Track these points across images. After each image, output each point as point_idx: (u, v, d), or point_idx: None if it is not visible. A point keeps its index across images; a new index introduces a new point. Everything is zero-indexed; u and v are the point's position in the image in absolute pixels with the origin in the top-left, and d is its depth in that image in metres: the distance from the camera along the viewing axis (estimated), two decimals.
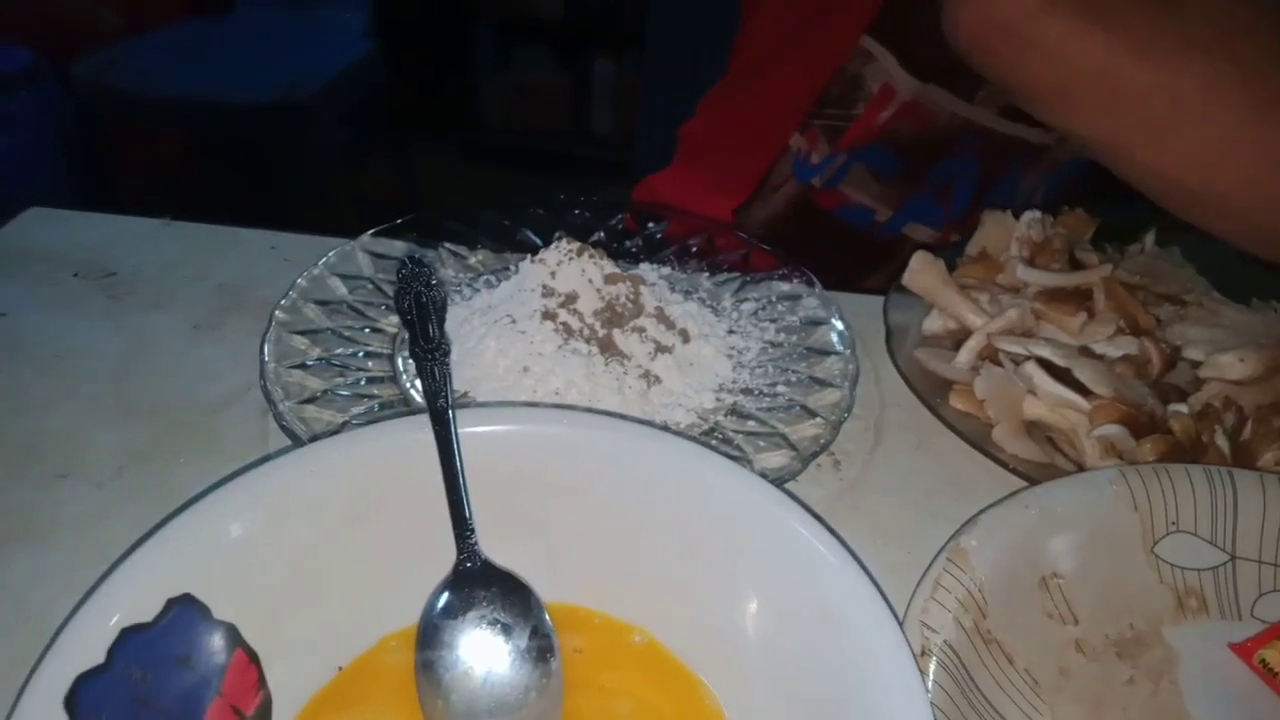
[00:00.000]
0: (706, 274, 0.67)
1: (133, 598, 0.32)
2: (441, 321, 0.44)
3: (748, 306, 0.64)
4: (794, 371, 0.58)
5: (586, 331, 0.55)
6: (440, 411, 0.40)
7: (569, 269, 0.56)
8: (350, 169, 1.46)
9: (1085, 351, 0.54)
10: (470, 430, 0.40)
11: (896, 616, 0.35)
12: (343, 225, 0.69)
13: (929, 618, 0.38)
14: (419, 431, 0.39)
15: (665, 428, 0.49)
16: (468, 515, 0.38)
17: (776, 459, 0.51)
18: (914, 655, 0.33)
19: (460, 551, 0.37)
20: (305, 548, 0.37)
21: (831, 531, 0.37)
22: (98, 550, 0.45)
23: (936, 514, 0.51)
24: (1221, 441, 0.50)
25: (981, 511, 0.43)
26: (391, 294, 0.62)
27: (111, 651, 0.31)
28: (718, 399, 0.56)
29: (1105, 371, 0.51)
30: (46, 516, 0.47)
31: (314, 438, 0.48)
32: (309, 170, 1.34)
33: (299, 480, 0.37)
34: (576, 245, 0.57)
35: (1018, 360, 0.55)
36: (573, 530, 0.41)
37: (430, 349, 0.43)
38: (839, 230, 0.84)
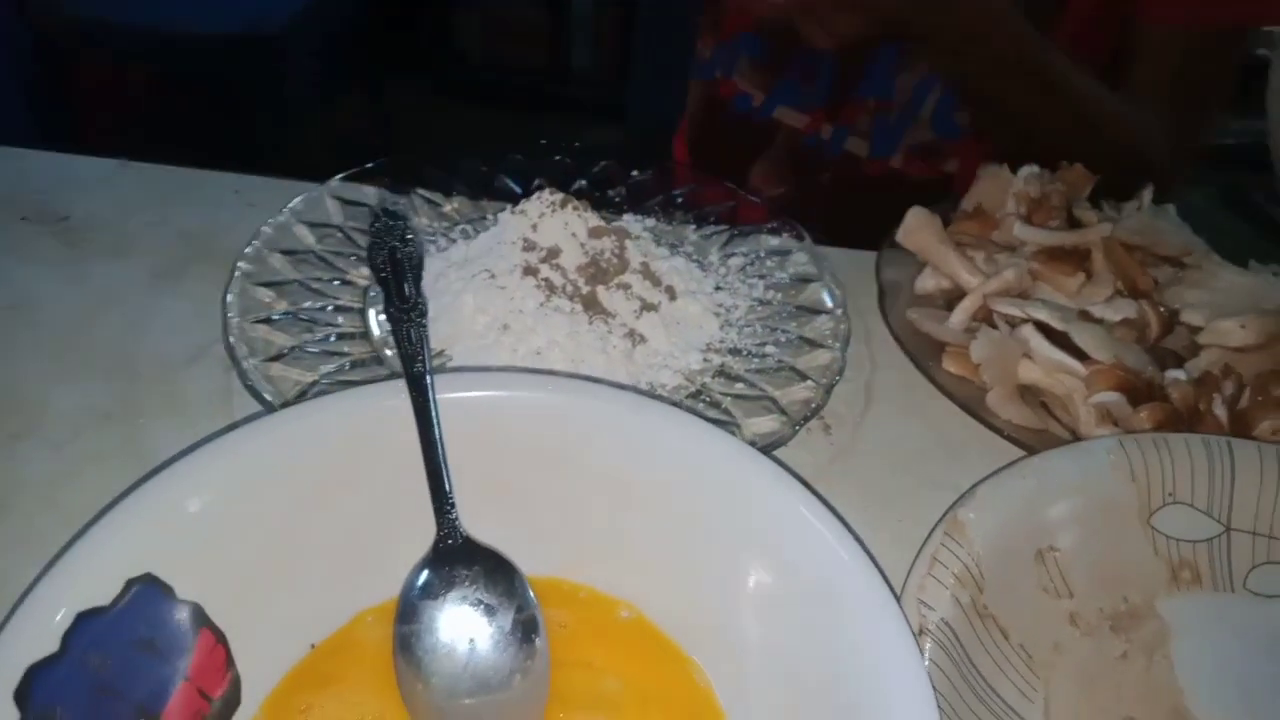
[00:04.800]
0: (693, 226, 0.65)
1: (88, 580, 0.30)
2: (418, 279, 0.41)
3: (735, 261, 0.62)
4: (783, 331, 0.56)
5: (569, 288, 0.53)
6: (417, 377, 0.37)
7: (551, 222, 0.53)
8: (321, 105, 1.40)
9: (1083, 315, 0.52)
10: (449, 396, 0.38)
11: (894, 593, 0.33)
12: (312, 165, 0.65)
13: (926, 595, 0.37)
14: (394, 398, 0.37)
15: (654, 395, 0.47)
16: (447, 489, 0.36)
17: (766, 424, 0.49)
18: (913, 633, 0.32)
19: (440, 527, 0.35)
20: (274, 521, 0.35)
21: (825, 503, 0.36)
22: (59, 516, 0.43)
23: (928, 479, 0.50)
24: (1220, 410, 0.49)
25: (979, 482, 0.42)
26: (363, 244, 0.59)
27: (66, 638, 0.29)
28: (705, 359, 0.54)
29: (1104, 336, 0.50)
30: (3, 480, 0.45)
31: (284, 403, 0.45)
32: (277, 106, 1.29)
33: (266, 451, 0.35)
34: (559, 196, 0.54)
35: (1014, 322, 0.53)
36: (557, 501, 0.39)
37: (406, 309, 0.40)
38: (732, 120, 0.92)
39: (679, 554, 0.38)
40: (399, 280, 0.41)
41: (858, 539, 0.35)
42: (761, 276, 0.60)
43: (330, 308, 0.54)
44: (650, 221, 0.64)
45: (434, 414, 0.37)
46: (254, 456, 0.35)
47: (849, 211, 0.80)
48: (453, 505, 0.36)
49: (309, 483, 0.36)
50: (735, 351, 0.54)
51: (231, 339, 0.49)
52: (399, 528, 0.37)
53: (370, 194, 0.63)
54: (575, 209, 0.54)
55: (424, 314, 0.40)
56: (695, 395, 0.51)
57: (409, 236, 0.42)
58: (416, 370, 0.38)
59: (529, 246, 0.53)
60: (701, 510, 0.38)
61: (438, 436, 0.36)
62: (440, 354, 0.52)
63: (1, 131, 0.70)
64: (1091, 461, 0.44)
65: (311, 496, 0.36)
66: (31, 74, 1.25)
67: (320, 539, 0.36)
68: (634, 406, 0.39)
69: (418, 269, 0.41)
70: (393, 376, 0.41)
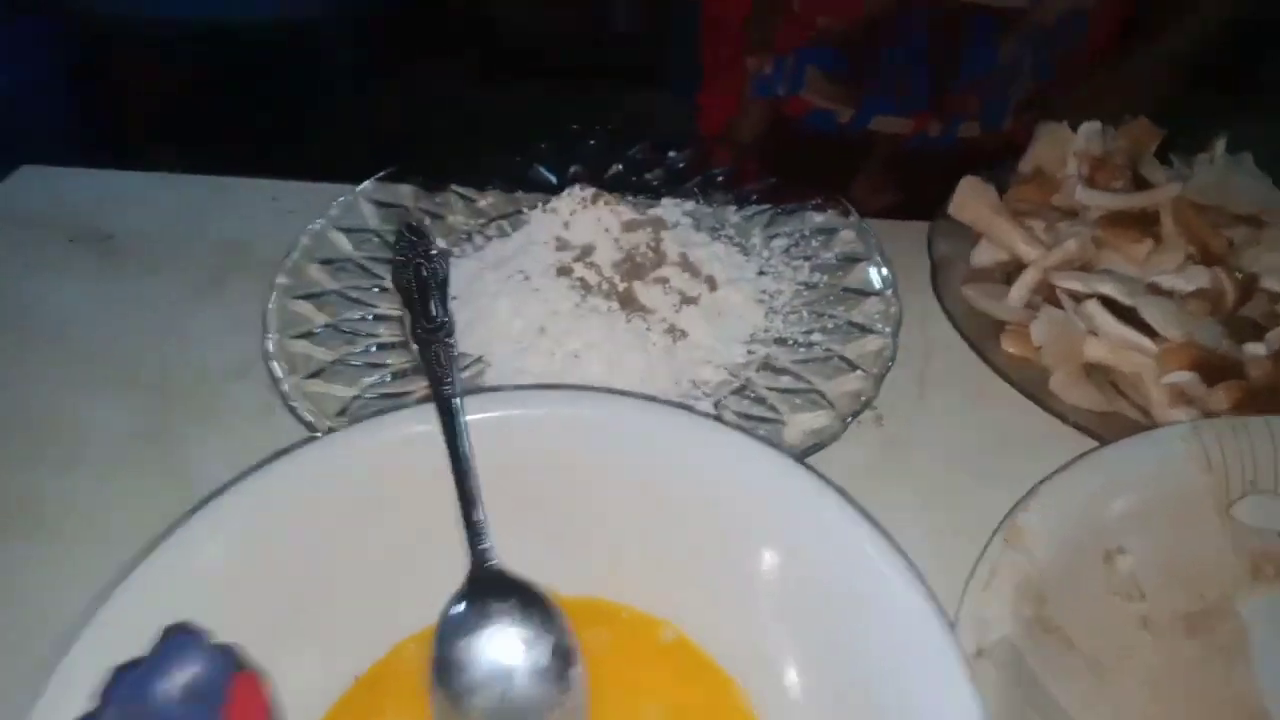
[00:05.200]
0: (734, 207, 0.62)
1: (124, 633, 0.30)
2: (444, 298, 0.40)
3: (779, 243, 0.59)
4: (830, 317, 0.54)
5: (605, 286, 0.51)
6: (446, 400, 0.37)
7: (583, 218, 0.52)
8: (358, 90, 1.38)
9: (1152, 288, 0.49)
10: (480, 417, 0.37)
11: (944, 614, 0.32)
12: (350, 155, 0.65)
13: (985, 611, 0.35)
14: (423, 424, 0.36)
15: (688, 407, 0.46)
16: (479, 518, 0.35)
17: (813, 419, 0.47)
18: (965, 659, 0.31)
19: (474, 559, 0.35)
20: (308, 557, 0.35)
21: (870, 519, 0.34)
22: (111, 540, 0.43)
23: (988, 473, 0.48)
24: None
25: (1040, 482, 0.40)
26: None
27: (106, 693, 0.29)
28: (749, 351, 0.52)
29: (1175, 310, 0.47)
30: (52, 505, 0.46)
31: (328, 428, 0.45)
32: (312, 91, 1.27)
33: (296, 487, 0.35)
34: (590, 192, 0.52)
35: (1078, 298, 0.50)
36: (594, 519, 0.38)
37: (433, 329, 0.39)
38: (813, 138, 0.85)
39: (720, 572, 0.37)
40: (424, 299, 0.40)
41: (904, 555, 0.33)
42: (807, 258, 0.58)
43: (370, 317, 0.54)
44: (689, 205, 0.62)
45: (464, 438, 0.36)
46: (283, 494, 0.35)
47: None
48: (486, 535, 0.35)
49: (341, 515, 0.36)
50: (780, 341, 0.53)
51: (270, 359, 0.49)
52: (435, 553, 0.36)
53: (405, 193, 0.62)
54: (607, 204, 0.52)
55: (451, 333, 0.39)
56: (739, 390, 0.50)
57: (433, 253, 0.41)
58: (445, 392, 0.37)
59: (562, 245, 0.51)
60: (741, 525, 0.36)
61: (468, 462, 0.36)
62: (478, 360, 0.51)
63: (40, 146, 0.71)
64: (1163, 451, 0.41)
65: (344, 529, 0.36)
66: (66, 82, 1.25)
67: (355, 571, 0.36)
68: (668, 420, 0.38)
69: (443, 287, 0.40)
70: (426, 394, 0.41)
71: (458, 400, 0.36)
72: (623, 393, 0.39)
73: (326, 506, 0.35)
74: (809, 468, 0.36)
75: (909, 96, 0.81)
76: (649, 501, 0.38)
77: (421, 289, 0.40)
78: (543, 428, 0.38)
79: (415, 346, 0.39)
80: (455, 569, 0.36)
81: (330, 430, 0.45)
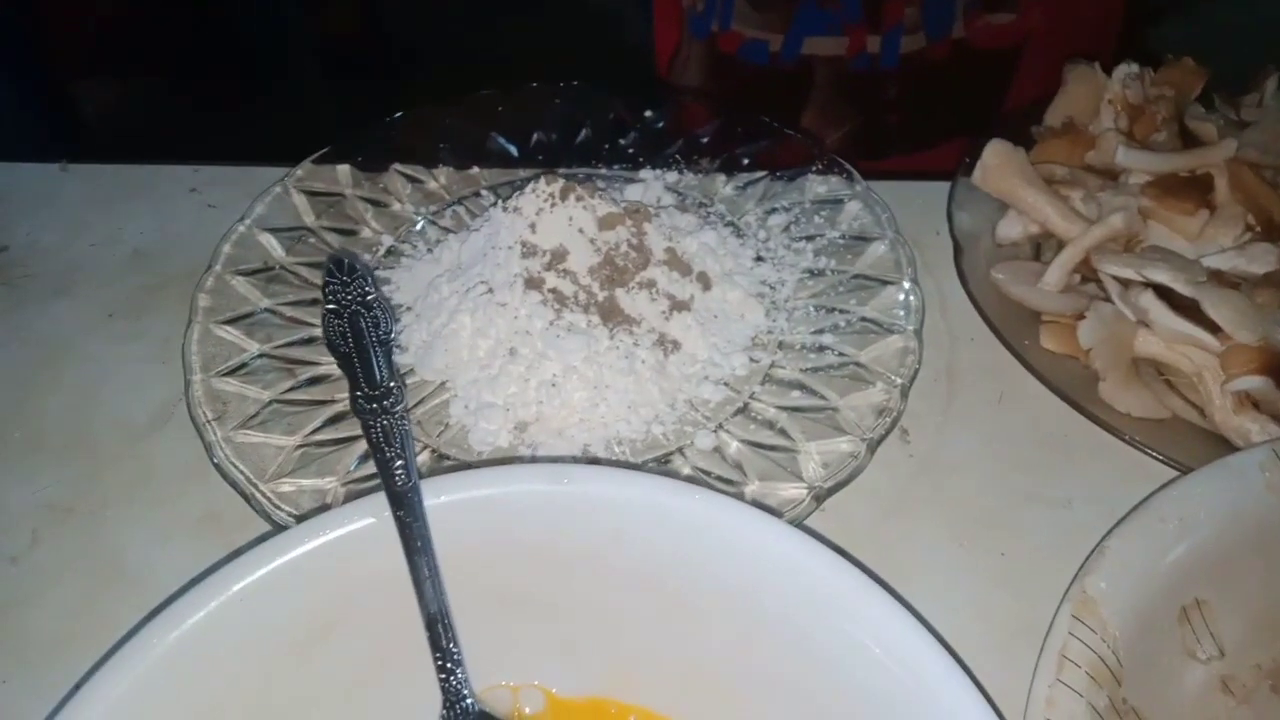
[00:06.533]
0: (723, 176, 0.55)
1: None
2: (388, 355, 0.33)
3: (777, 220, 0.52)
4: (841, 311, 0.47)
5: (582, 296, 0.44)
6: (399, 495, 0.30)
7: (552, 218, 0.44)
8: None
9: (1216, 276, 0.42)
10: (446, 500, 0.31)
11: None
12: (278, 126, 0.56)
13: (1057, 711, 0.30)
14: (373, 519, 0.30)
15: (694, 479, 0.39)
16: (448, 643, 0.29)
17: (832, 446, 0.41)
18: None
19: (445, 695, 0.29)
20: (245, 702, 0.29)
21: (915, 614, 0.28)
22: (16, 648, 0.37)
23: (1032, 494, 0.42)
24: None
25: (1106, 536, 0.34)
26: (338, 245, 0.51)
27: None
28: (751, 360, 0.45)
29: (1245, 307, 0.40)
30: None
31: (264, 495, 0.38)
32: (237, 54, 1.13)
33: (226, 623, 0.28)
34: (558, 185, 0.44)
35: (1126, 283, 0.44)
36: (591, 610, 0.33)
37: (377, 396, 0.32)
38: (752, 75, 0.77)
39: (741, 666, 0.31)
40: (364, 359, 0.33)
41: (954, 654, 0.28)
42: (809, 238, 0.51)
43: (309, 339, 0.46)
44: (672, 176, 0.55)
45: (425, 543, 0.29)
46: (211, 632, 0.28)
47: (927, 112, 0.69)
48: (457, 663, 0.29)
49: (282, 648, 0.29)
50: (786, 346, 0.46)
51: (192, 406, 0.41)
52: (400, 686, 0.30)
53: (342, 176, 0.54)
54: (579, 199, 0.44)
55: (400, 401, 0.32)
56: (742, 411, 0.43)
57: (370, 297, 0.33)
58: (398, 485, 0.30)
59: (529, 251, 0.44)
60: (759, 611, 0.31)
61: (431, 570, 0.29)
62: (440, 387, 0.45)
63: None
64: (1240, 484, 0.35)
65: (284, 666, 0.29)
66: None
67: (304, 707, 0.30)
68: (668, 495, 0.31)
69: (387, 341, 0.33)
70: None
71: (415, 495, 0.30)
72: (612, 463, 0.33)
73: (263, 645, 0.29)
74: (834, 548, 0.30)
75: (838, 10, 0.73)
76: (654, 587, 0.32)
77: (359, 343, 0.33)
78: (522, 510, 0.32)
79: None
80: (425, 706, 0.30)
81: (264, 496, 0.39)
